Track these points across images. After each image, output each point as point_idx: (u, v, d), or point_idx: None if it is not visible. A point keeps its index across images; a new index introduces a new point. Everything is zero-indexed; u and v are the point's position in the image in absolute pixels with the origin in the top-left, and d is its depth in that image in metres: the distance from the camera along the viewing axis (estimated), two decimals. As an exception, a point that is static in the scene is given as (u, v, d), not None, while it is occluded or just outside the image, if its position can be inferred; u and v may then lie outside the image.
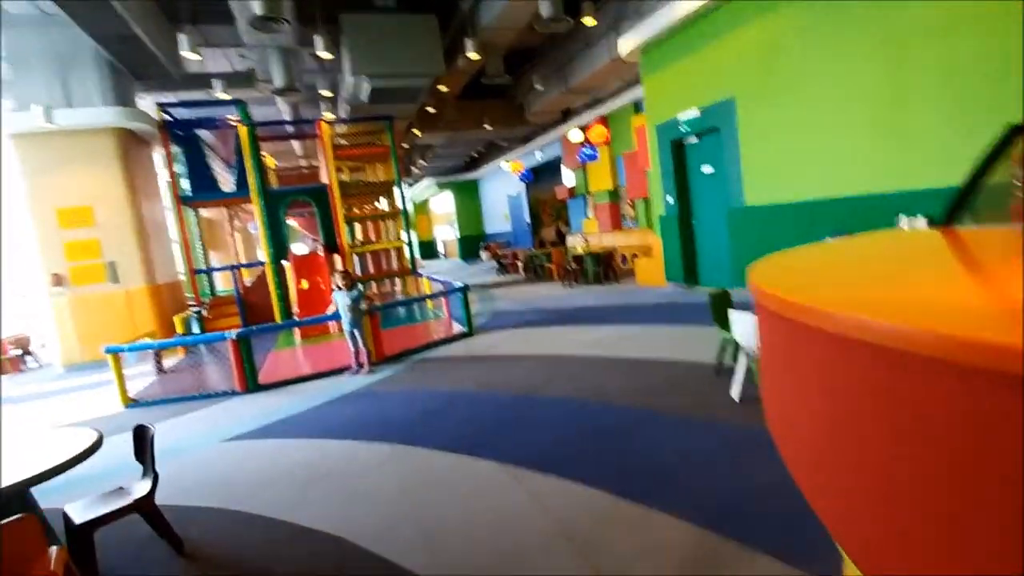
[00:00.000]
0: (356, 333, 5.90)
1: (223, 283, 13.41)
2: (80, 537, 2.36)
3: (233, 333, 5.73)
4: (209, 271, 10.94)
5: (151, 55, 8.72)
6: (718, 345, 4.28)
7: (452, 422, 4.07)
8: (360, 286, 6.27)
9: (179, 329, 8.72)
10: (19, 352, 9.71)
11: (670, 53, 8.30)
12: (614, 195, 14.58)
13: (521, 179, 19.22)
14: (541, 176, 19.39)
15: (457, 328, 7.56)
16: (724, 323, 4.17)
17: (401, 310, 9.89)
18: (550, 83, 12.83)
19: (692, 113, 8.08)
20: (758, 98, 7.01)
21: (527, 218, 21.31)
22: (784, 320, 0.83)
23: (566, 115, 15.22)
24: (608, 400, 4.10)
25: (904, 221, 5.60)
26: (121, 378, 5.79)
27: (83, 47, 8.39)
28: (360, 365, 5.97)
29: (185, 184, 9.42)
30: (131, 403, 5.81)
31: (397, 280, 12.25)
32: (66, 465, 2.19)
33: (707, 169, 8.29)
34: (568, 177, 16.75)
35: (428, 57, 10.00)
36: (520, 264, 15.42)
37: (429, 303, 9.80)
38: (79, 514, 2.46)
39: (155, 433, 2.76)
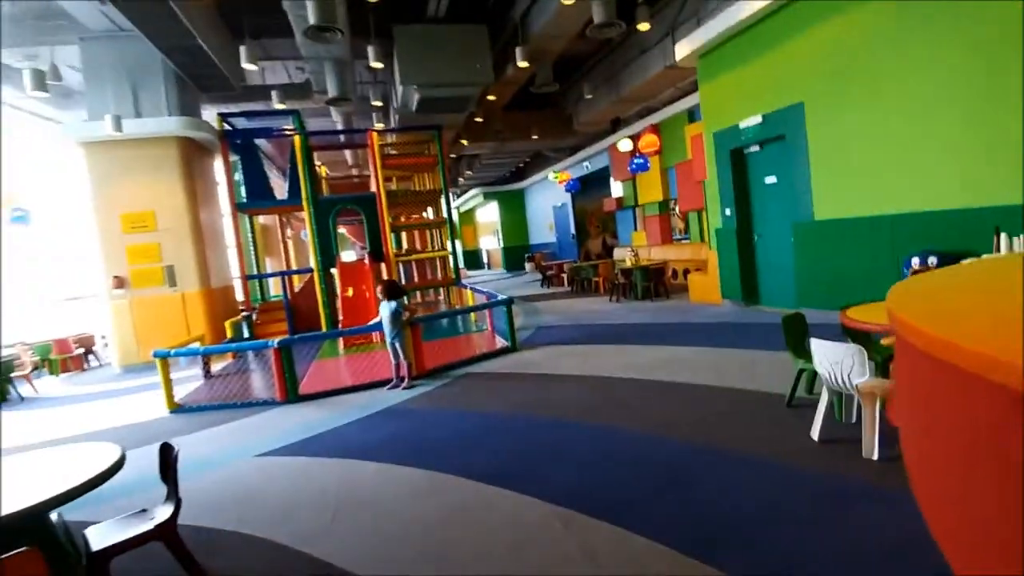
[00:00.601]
0: (397, 345, 5.74)
1: (275, 288, 13.71)
2: (95, 566, 2.21)
3: (275, 342, 5.67)
4: (260, 277, 11.16)
5: (215, 67, 9.02)
6: (792, 374, 3.83)
7: (493, 448, 3.80)
8: (405, 297, 6.11)
9: (229, 333, 8.87)
10: (82, 351, 10.16)
11: (730, 57, 7.84)
12: (664, 207, 14.05)
13: (567, 189, 18.90)
14: (588, 186, 19.01)
15: (500, 342, 7.31)
16: (799, 350, 3.73)
17: (443, 322, 9.74)
18: (600, 92, 12.51)
19: (754, 120, 7.58)
20: (830, 103, 6.46)
21: (572, 229, 20.95)
22: (969, 376, 0.69)
23: (615, 125, 14.84)
24: (666, 432, 3.71)
25: (1004, 240, 4.98)
26: (168, 383, 5.84)
27: (153, 60, 8.75)
28: (401, 379, 5.80)
29: (242, 192, 9.65)
30: (176, 408, 5.84)
31: (440, 290, 12.16)
32: (82, 489, 2.05)
33: (770, 179, 7.75)
34: (616, 188, 16.32)
35: (477, 66, 9.91)
36: (565, 276, 15.07)
37: (472, 315, 9.60)
38: (98, 539, 2.33)
39: (180, 451, 2.62)
